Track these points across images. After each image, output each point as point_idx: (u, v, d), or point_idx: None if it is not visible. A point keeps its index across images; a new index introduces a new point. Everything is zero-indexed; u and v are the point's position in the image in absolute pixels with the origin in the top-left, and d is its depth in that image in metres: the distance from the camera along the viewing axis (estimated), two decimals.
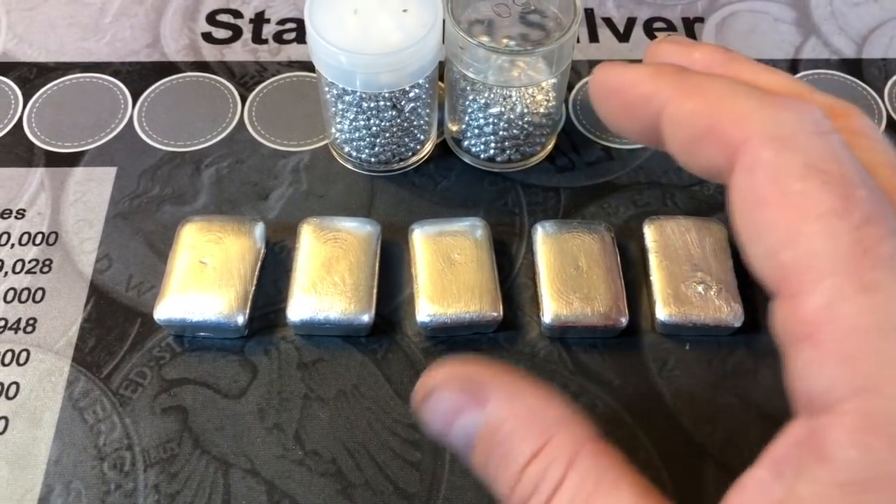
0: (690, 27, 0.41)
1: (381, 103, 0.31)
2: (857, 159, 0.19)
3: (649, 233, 0.32)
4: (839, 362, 0.17)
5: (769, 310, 0.19)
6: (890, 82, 0.39)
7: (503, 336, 0.30)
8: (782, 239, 0.18)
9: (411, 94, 0.32)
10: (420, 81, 0.31)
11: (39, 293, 0.31)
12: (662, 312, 0.30)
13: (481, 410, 0.20)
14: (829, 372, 0.17)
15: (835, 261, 0.17)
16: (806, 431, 0.17)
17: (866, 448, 0.16)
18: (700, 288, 0.30)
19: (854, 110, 0.22)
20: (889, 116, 0.37)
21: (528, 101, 0.33)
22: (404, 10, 0.30)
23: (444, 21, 0.31)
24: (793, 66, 0.39)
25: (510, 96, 0.32)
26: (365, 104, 0.31)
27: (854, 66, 0.39)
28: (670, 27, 0.41)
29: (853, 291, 0.17)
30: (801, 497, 0.17)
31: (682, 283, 0.30)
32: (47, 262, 0.32)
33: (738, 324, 0.30)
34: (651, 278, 0.31)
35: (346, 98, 0.31)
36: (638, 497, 0.19)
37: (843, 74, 0.39)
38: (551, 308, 0.30)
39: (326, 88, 0.32)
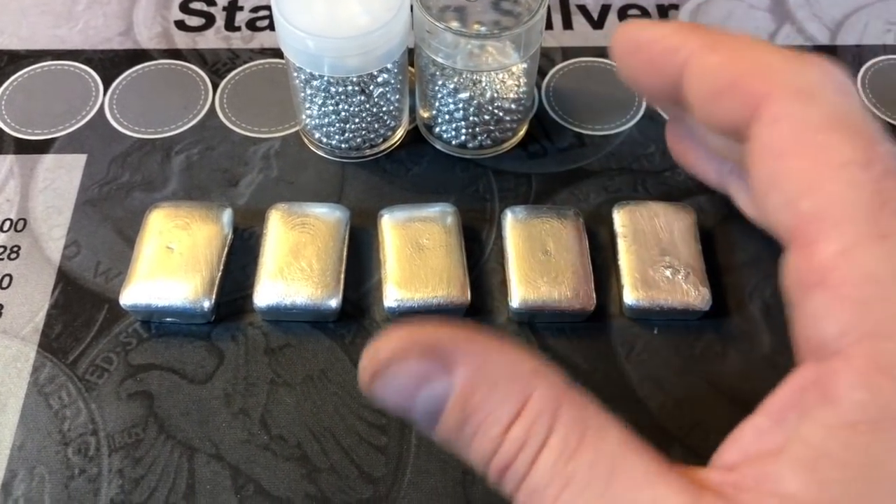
0: (665, 14, 0.41)
1: (350, 88, 0.31)
2: (877, 122, 0.19)
3: (618, 218, 0.32)
4: (851, 306, 0.17)
5: (781, 262, 0.19)
6: (863, 69, 0.39)
7: (472, 321, 0.30)
8: (802, 187, 0.18)
9: (380, 79, 0.31)
10: (388, 66, 0.31)
11: (7, 279, 0.31)
12: (630, 297, 0.30)
13: (448, 378, 0.18)
14: (840, 316, 0.17)
15: (854, 209, 0.17)
16: (812, 376, 0.17)
17: (876, 389, 0.16)
18: (668, 272, 0.30)
19: None
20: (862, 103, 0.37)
21: (499, 86, 0.32)
22: None
23: (411, 5, 0.30)
24: None
25: (480, 81, 0.32)
26: (333, 89, 0.31)
27: (828, 53, 0.39)
28: (644, 14, 0.41)
29: (870, 239, 0.17)
30: (806, 439, 0.16)
31: (650, 268, 0.30)
32: (15, 249, 0.32)
33: (705, 308, 0.30)
34: (619, 262, 0.31)
35: (315, 83, 0.31)
36: (622, 443, 0.18)
37: None
38: (519, 292, 0.30)
39: (295, 73, 0.32)
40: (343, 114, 0.32)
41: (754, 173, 0.19)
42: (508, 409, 0.18)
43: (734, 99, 0.20)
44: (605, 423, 0.18)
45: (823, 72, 0.19)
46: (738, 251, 0.32)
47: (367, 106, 0.32)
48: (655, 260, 0.30)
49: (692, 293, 0.30)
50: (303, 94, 0.32)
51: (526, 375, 0.19)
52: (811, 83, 0.19)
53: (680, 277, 0.30)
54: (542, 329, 0.30)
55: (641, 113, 0.36)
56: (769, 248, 0.32)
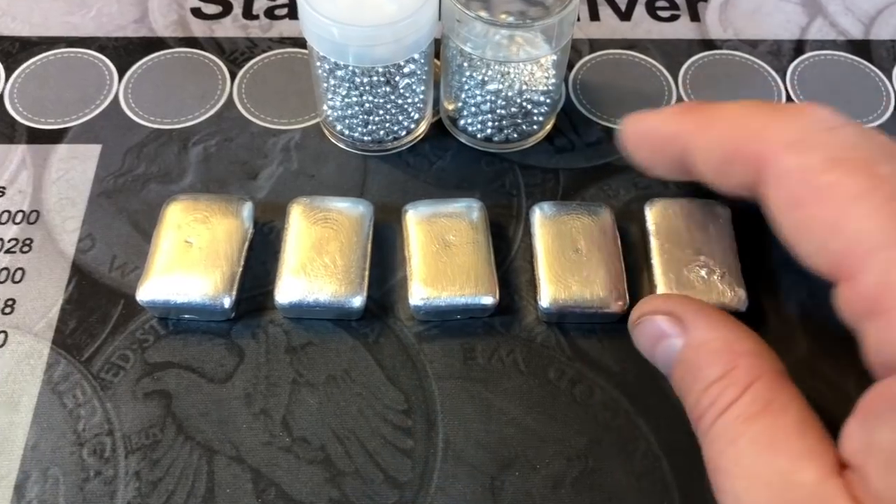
0: (693, 7, 0.40)
1: (375, 78, 0.30)
2: (877, 141, 0.20)
3: (650, 215, 0.31)
4: None
5: (832, 297, 0.20)
6: None
7: (499, 321, 0.29)
8: (826, 230, 0.19)
9: (406, 70, 0.30)
10: (415, 56, 0.30)
11: (19, 273, 0.30)
12: None
13: (681, 337, 0.24)
14: None
15: (879, 235, 0.18)
16: (887, 386, 0.19)
17: None
18: (703, 272, 0.29)
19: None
20: None
21: (527, 78, 0.31)
22: None
23: None
24: (799, 46, 0.38)
25: (508, 73, 0.31)
26: (358, 79, 0.30)
27: (862, 48, 0.38)
28: (673, 6, 0.40)
29: None
30: (879, 443, 0.18)
31: (684, 268, 0.29)
32: (27, 242, 0.31)
33: (742, 308, 0.29)
34: (652, 262, 0.30)
35: (339, 73, 0.30)
36: (800, 423, 0.20)
37: (850, 56, 0.38)
38: (549, 292, 0.29)
39: (318, 63, 0.31)
40: (367, 105, 0.31)
41: (779, 229, 0.21)
42: (716, 371, 0.22)
43: (738, 167, 0.22)
44: (788, 403, 0.21)
45: (809, 116, 0.21)
46: (775, 250, 0.31)
47: (393, 97, 0.31)
48: (690, 259, 0.29)
49: (728, 294, 0.29)
50: (325, 85, 0.31)
51: (737, 350, 0.23)
52: (801, 132, 0.21)
53: (715, 278, 0.29)
54: (572, 330, 0.29)
55: None
56: None
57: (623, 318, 0.29)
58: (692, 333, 0.23)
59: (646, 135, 0.25)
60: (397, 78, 0.30)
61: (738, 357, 0.22)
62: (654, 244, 0.30)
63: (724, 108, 0.23)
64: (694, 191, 0.33)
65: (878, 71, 0.37)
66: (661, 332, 0.24)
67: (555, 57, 0.31)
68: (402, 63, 0.30)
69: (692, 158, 0.23)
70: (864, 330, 0.19)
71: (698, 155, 0.23)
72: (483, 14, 0.30)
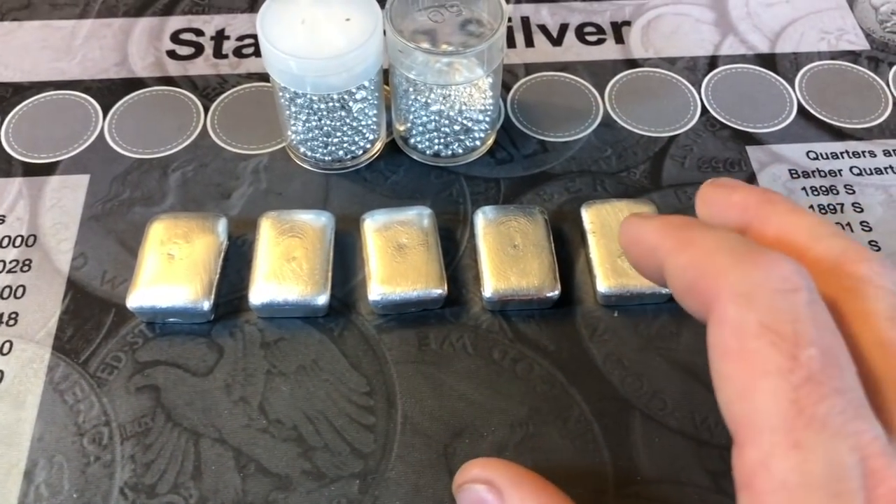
0: (618, 31, 0.44)
1: (331, 104, 0.34)
2: (822, 315, 0.21)
3: (587, 215, 0.35)
4: None
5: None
6: (800, 74, 0.42)
7: (449, 311, 0.33)
8: (737, 391, 0.20)
9: (358, 96, 0.35)
10: (365, 83, 0.34)
11: (20, 290, 0.34)
12: (603, 285, 0.33)
13: None
14: None
15: (772, 418, 0.19)
16: None
17: None
18: None
19: (868, 255, 0.23)
20: (800, 104, 0.41)
21: (466, 98, 0.36)
22: (347, 20, 0.33)
23: (384, 29, 0.34)
24: (713, 61, 0.43)
25: (450, 95, 0.35)
26: (316, 106, 0.34)
27: (768, 60, 0.43)
28: (600, 31, 0.44)
29: (784, 449, 0.19)
30: None
31: (618, 258, 0.33)
32: (27, 262, 0.35)
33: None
34: (591, 256, 0.34)
35: (299, 101, 0.34)
36: None
37: (758, 68, 0.43)
38: (491, 283, 0.33)
39: (280, 93, 0.35)
40: (326, 128, 0.35)
41: (710, 368, 0.22)
42: None
43: (694, 298, 0.22)
44: None
45: (768, 272, 0.21)
46: None
47: (348, 121, 0.35)
48: (622, 251, 0.33)
49: None
50: (288, 112, 0.36)
51: None
52: (752, 285, 0.21)
53: None
54: (513, 316, 0.33)
55: (598, 121, 0.40)
56: None
57: (557, 303, 0.33)
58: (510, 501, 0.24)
59: (634, 240, 0.26)
60: (350, 103, 0.35)
61: None
62: (591, 241, 0.34)
63: (704, 235, 0.23)
64: (618, 193, 0.37)
65: (782, 80, 0.42)
66: (480, 500, 0.25)
67: (490, 79, 0.36)
68: (354, 90, 0.34)
69: (665, 275, 0.24)
70: (738, 497, 0.20)
71: (668, 274, 0.24)
72: (424, 45, 0.34)
